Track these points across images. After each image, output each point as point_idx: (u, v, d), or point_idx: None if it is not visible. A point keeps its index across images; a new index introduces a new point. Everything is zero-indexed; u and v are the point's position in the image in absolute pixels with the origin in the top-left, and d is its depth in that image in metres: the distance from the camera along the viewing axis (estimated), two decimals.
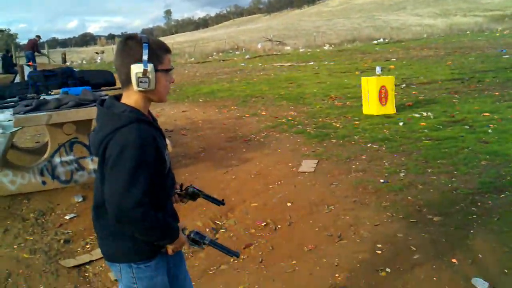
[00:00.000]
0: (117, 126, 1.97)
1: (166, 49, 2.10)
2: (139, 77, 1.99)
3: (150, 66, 1.99)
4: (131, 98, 2.08)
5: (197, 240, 2.25)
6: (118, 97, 2.14)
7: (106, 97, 2.21)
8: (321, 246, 4.17)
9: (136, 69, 1.99)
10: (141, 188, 1.93)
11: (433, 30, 45.28)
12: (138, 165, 1.93)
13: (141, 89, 2.02)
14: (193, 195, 2.54)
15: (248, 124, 9.00)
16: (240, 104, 11.48)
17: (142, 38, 2.02)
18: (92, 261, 4.41)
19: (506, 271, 3.47)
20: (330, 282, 3.56)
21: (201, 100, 12.67)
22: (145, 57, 1.99)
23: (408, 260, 3.72)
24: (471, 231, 4.07)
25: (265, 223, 4.77)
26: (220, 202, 2.68)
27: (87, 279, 4.16)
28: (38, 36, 22.88)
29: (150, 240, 2.07)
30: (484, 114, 8.13)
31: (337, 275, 3.64)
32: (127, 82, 2.05)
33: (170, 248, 2.15)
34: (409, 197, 4.85)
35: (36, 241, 4.73)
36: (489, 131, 7.03)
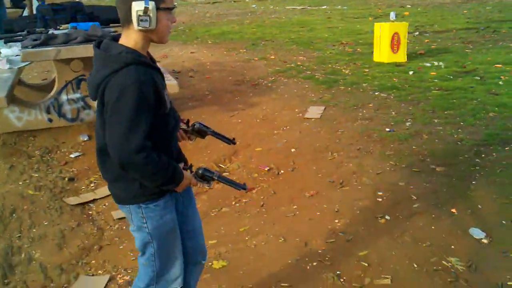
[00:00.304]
0: (114, 68, 1.93)
1: None
2: (139, 15, 1.93)
3: (151, 4, 1.93)
4: (130, 38, 2.02)
5: (206, 176, 2.23)
6: (116, 38, 2.09)
7: (110, 35, 2.17)
8: (323, 192, 4.21)
9: (137, 6, 1.92)
10: (142, 132, 1.92)
11: None
12: (137, 108, 1.91)
13: (141, 28, 1.96)
14: (199, 131, 2.48)
15: (257, 68, 8.90)
16: (250, 47, 11.32)
17: None
18: (96, 199, 4.48)
19: (504, 222, 3.49)
20: (329, 228, 3.61)
21: (210, 42, 12.49)
22: None
23: (408, 209, 3.75)
24: (473, 182, 4.08)
25: (268, 168, 4.80)
26: (230, 141, 2.63)
27: (90, 217, 4.24)
28: None
29: (155, 184, 2.07)
30: (497, 65, 7.97)
31: (336, 221, 3.69)
32: (127, 20, 1.99)
33: (178, 188, 2.16)
34: (413, 147, 4.83)
35: (41, 178, 4.80)
36: (500, 82, 6.91)
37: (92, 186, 4.75)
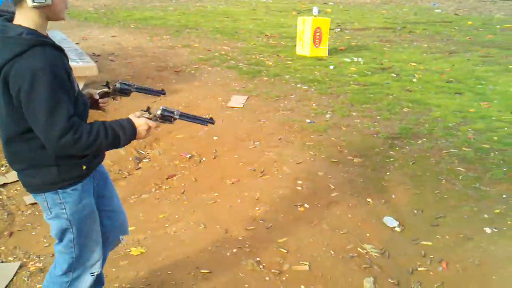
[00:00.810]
0: (16, 52, 1.79)
1: None
2: None
3: None
4: (26, 17, 1.88)
5: (166, 115, 2.13)
6: (10, 19, 1.94)
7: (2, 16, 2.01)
8: (244, 180, 4.23)
9: None
10: (64, 114, 1.82)
11: None
12: (53, 92, 1.80)
13: (36, 4, 1.82)
14: (122, 90, 2.32)
15: (180, 55, 8.78)
16: (173, 34, 11.15)
17: None
18: (6, 184, 4.24)
19: (415, 211, 3.68)
20: (250, 215, 3.63)
21: (132, 26, 12.18)
22: None
23: (326, 197, 3.86)
24: (388, 173, 4.26)
25: (190, 155, 4.76)
26: (159, 92, 2.48)
27: (1, 202, 4.01)
28: None
29: (105, 150, 2.00)
30: (411, 64, 8.36)
31: (257, 208, 3.72)
32: None
33: (139, 137, 2.06)
34: (332, 138, 4.97)
35: None
36: (414, 80, 7.26)
37: (3, 170, 4.49)
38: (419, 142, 4.89)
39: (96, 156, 2.14)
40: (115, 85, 2.31)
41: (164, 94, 2.48)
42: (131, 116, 2.06)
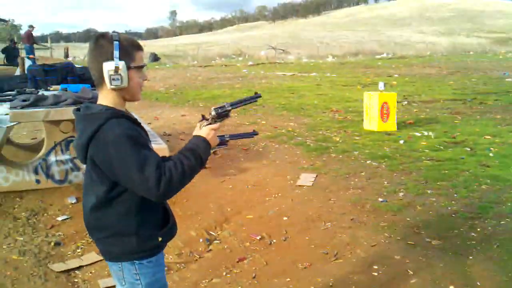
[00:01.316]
0: (97, 125, 1.98)
1: (138, 46, 2.13)
2: (111, 75, 2.01)
3: (121, 64, 2.02)
4: (106, 97, 2.10)
5: (221, 112, 2.27)
6: (93, 102, 2.16)
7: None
8: (317, 264, 4.09)
9: (108, 66, 2.01)
10: (153, 166, 1.94)
11: (436, 48, 45.40)
12: (134, 148, 1.95)
13: (113, 86, 2.04)
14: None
15: None
16: (240, 111, 11.40)
17: (112, 36, 2.05)
18: (82, 266, 4.31)
19: None
20: None
21: (201, 105, 12.60)
22: (116, 54, 2.01)
23: (404, 284, 3.65)
24: (470, 257, 4.00)
25: (260, 237, 4.69)
26: (252, 134, 2.60)
27: (76, 285, 4.06)
28: (31, 26, 22.47)
29: (197, 170, 2.10)
30: (486, 137, 8.08)
31: None
32: (100, 81, 2.08)
33: (213, 141, 2.19)
34: (407, 218, 4.77)
35: (26, 242, 4.63)
36: (490, 154, 6.97)
37: (79, 252, 4.58)
38: (502, 222, 4.60)
39: (171, 228, 2.26)
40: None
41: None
42: (194, 133, 2.21)
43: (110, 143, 1.94)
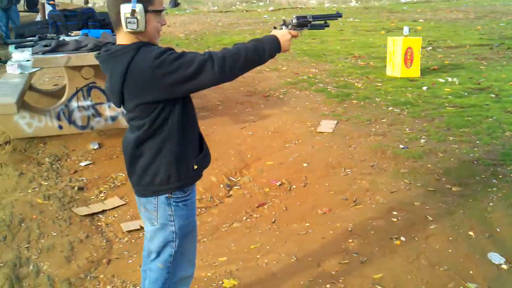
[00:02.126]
0: (129, 57, 2.00)
1: None
2: (127, 18, 2.00)
3: (139, 6, 1.99)
4: (122, 41, 2.09)
5: (302, 21, 2.39)
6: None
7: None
8: (336, 210, 4.12)
9: (125, 9, 1.99)
10: (198, 55, 2.06)
11: None
12: (180, 54, 2.02)
13: (129, 30, 2.02)
14: (300, 24, 2.45)
15: (268, 79, 8.84)
16: None
17: None
18: (105, 210, 4.41)
19: None
20: (343, 247, 3.52)
21: None
22: None
23: (424, 230, 3.66)
24: (490, 204, 3.98)
25: (280, 183, 4.72)
26: (335, 16, 2.65)
27: (99, 229, 4.17)
28: None
29: (255, 61, 2.21)
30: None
31: (350, 240, 3.59)
32: (117, 23, 2.06)
33: (284, 48, 2.29)
34: (428, 165, 4.74)
35: (51, 186, 4.74)
36: None
37: (102, 196, 4.68)
38: None
39: (205, 156, 2.33)
40: (292, 21, 2.44)
41: (340, 16, 2.68)
42: (272, 32, 2.31)
43: (154, 59, 1.97)
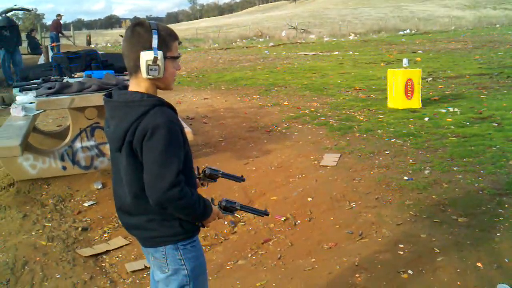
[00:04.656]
0: (142, 111, 1.98)
1: (175, 36, 2.11)
2: (149, 65, 2.00)
3: (160, 54, 2.00)
4: (139, 85, 2.09)
5: (229, 207, 2.37)
6: (123, 88, 2.16)
7: (122, 84, 2.24)
8: (342, 244, 4.08)
9: (146, 56, 1.99)
10: (175, 169, 1.97)
11: (461, 22, 44.37)
12: (168, 145, 1.96)
13: (150, 76, 2.02)
14: (211, 176, 2.54)
15: (270, 114, 8.90)
16: (263, 93, 11.37)
17: (151, 25, 2.03)
18: (109, 250, 4.39)
19: None
20: (350, 282, 3.47)
21: (223, 88, 12.59)
22: (155, 44, 1.99)
23: (431, 262, 3.61)
24: (498, 234, 3.94)
25: (284, 218, 4.70)
26: (239, 179, 2.69)
27: (104, 269, 4.13)
28: (59, 15, 22.80)
29: (190, 218, 2.13)
30: None
31: (357, 275, 3.55)
32: (136, 69, 2.06)
33: (207, 222, 2.23)
34: (433, 196, 4.72)
35: (54, 228, 4.73)
36: None
37: (106, 236, 4.66)
38: None
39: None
40: (205, 171, 2.51)
41: (243, 180, 2.72)
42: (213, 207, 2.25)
43: (151, 129, 1.94)
